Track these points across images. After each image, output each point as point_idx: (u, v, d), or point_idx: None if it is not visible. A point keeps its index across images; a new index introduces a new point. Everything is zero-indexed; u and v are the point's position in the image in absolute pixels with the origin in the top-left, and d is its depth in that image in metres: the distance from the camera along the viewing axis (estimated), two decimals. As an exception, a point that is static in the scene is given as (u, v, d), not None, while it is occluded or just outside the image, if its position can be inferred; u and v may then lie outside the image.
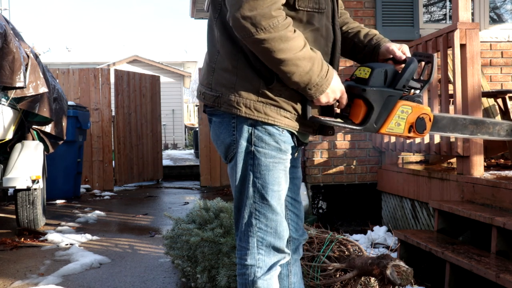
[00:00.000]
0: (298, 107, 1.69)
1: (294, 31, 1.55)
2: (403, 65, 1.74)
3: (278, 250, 1.75)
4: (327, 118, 1.68)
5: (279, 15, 1.52)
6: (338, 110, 1.80)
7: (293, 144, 1.74)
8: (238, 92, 1.66)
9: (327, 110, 1.74)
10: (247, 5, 1.48)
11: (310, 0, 1.64)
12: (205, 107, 1.80)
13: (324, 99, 1.64)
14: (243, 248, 1.75)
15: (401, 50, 1.81)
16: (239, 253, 1.77)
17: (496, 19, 5.82)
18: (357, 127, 1.68)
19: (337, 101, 1.70)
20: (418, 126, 1.70)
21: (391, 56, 1.81)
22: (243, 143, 1.69)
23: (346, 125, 1.69)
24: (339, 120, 1.70)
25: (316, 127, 1.78)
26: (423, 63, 1.81)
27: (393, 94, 1.66)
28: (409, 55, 1.81)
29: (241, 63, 1.66)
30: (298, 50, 1.55)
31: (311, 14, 1.66)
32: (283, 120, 1.67)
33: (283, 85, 1.65)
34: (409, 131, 1.70)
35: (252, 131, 1.67)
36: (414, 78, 1.74)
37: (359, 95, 1.67)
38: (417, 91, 1.72)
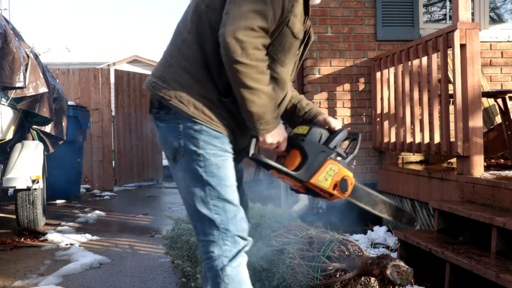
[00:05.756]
0: (233, 130, 1.86)
1: (268, 68, 1.74)
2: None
3: (241, 238, 1.88)
4: (268, 160, 1.86)
5: (263, 50, 1.71)
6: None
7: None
8: (191, 93, 1.80)
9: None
10: (243, 31, 1.66)
11: (279, 50, 1.80)
12: (151, 109, 1.92)
13: (269, 139, 1.81)
14: (209, 241, 1.86)
15: (338, 125, 2.03)
16: (205, 249, 1.88)
17: (496, 19, 5.82)
18: (292, 173, 1.86)
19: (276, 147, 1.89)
20: (342, 185, 1.89)
21: (327, 126, 2.00)
22: (191, 147, 1.82)
23: (283, 168, 1.87)
24: (277, 163, 1.88)
25: (240, 149, 1.96)
26: (349, 140, 2.04)
27: (325, 151, 1.88)
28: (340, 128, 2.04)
29: (202, 70, 1.80)
30: (266, 85, 1.73)
31: (275, 63, 1.83)
32: (223, 128, 1.83)
33: (232, 106, 1.81)
34: (334, 188, 1.88)
35: (199, 136, 1.82)
36: (345, 152, 1.97)
37: (297, 144, 1.87)
38: (342, 159, 1.94)
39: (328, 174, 1.87)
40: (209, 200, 1.85)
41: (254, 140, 1.83)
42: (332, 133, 1.96)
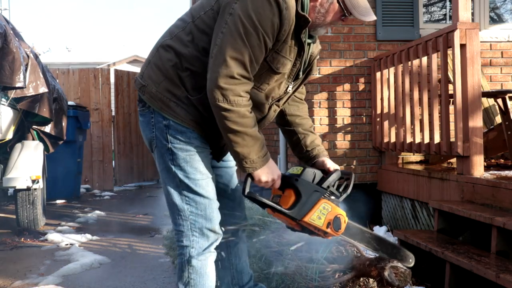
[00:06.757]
0: (202, 126, 1.93)
1: (251, 112, 1.84)
2: None
3: (210, 231, 1.96)
4: (262, 198, 1.94)
5: (245, 96, 1.81)
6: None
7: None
8: (160, 89, 1.90)
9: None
10: (224, 79, 1.76)
11: (254, 77, 1.87)
12: (138, 104, 2.03)
13: (264, 178, 1.89)
14: (179, 231, 1.97)
15: (333, 166, 2.13)
16: (176, 236, 1.99)
17: (496, 19, 5.81)
18: (286, 211, 1.93)
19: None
20: (335, 224, 1.96)
21: (323, 168, 2.11)
22: (162, 141, 1.94)
23: (276, 207, 1.94)
24: (272, 202, 1.97)
25: (219, 146, 2.03)
26: (343, 180, 2.11)
27: (318, 190, 1.96)
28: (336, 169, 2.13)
29: (172, 70, 1.90)
30: (249, 127, 1.82)
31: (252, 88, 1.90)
32: (190, 123, 1.91)
33: (200, 105, 1.88)
34: (327, 227, 1.95)
35: (167, 131, 1.92)
36: (339, 191, 2.05)
37: (291, 184, 1.95)
38: (335, 198, 2.02)
39: (322, 213, 1.95)
40: (181, 190, 1.95)
41: (249, 179, 1.91)
42: (326, 173, 2.04)
